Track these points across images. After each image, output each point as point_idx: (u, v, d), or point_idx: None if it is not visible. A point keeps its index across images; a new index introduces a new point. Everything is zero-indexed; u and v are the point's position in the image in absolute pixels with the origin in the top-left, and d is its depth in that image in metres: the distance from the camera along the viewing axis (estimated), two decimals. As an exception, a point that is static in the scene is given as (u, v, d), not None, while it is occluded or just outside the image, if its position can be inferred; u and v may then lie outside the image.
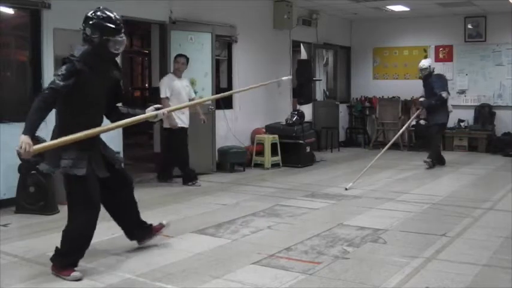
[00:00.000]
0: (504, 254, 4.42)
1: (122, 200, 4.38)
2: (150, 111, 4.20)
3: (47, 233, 5.12)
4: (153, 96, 9.02)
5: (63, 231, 4.05)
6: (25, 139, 3.62)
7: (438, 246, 4.66)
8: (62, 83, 3.75)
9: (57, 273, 3.92)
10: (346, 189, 7.25)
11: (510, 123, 11.60)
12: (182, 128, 7.52)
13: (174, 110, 4.57)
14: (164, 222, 4.73)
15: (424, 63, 9.44)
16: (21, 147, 3.61)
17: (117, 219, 4.47)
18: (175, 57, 7.68)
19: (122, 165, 4.45)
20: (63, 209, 6.05)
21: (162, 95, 7.38)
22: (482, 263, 4.19)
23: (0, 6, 6.28)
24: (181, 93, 7.45)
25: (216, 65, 8.99)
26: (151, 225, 4.62)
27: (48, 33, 6.54)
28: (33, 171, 5.92)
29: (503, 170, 9.16)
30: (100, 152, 4.11)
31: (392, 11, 11.79)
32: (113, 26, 3.91)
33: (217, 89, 8.82)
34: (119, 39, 3.94)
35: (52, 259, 3.99)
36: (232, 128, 9.40)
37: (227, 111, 9.28)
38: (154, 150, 8.91)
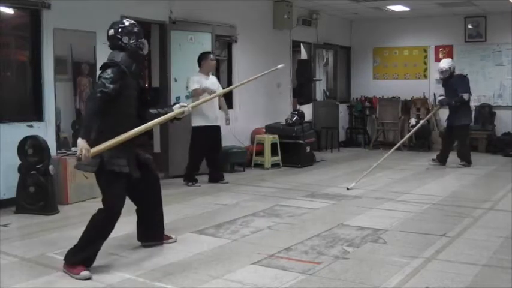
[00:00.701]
0: (504, 254, 4.42)
1: (150, 200, 4.54)
2: (176, 109, 4.46)
3: (47, 233, 5.12)
4: (154, 97, 9.03)
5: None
6: (84, 144, 3.79)
7: (438, 246, 4.66)
8: (112, 86, 3.94)
9: (67, 270, 3.93)
10: (348, 189, 7.25)
11: (510, 123, 11.60)
12: (209, 127, 7.56)
13: (198, 105, 4.83)
14: (173, 237, 4.80)
15: (445, 65, 9.17)
16: (81, 153, 3.77)
17: (140, 217, 4.57)
18: (205, 56, 7.65)
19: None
20: (63, 209, 6.10)
21: (192, 87, 7.32)
22: (482, 263, 4.19)
23: (0, 6, 6.28)
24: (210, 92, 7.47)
25: (216, 65, 8.98)
26: (163, 231, 4.72)
27: (48, 33, 6.54)
28: (33, 171, 5.93)
29: (503, 170, 9.15)
30: (134, 152, 4.29)
31: (392, 11, 11.79)
32: (140, 28, 4.30)
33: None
34: (144, 40, 4.30)
35: (65, 257, 4.01)
36: (232, 128, 9.39)
37: (227, 111, 9.27)
38: (154, 150, 8.90)
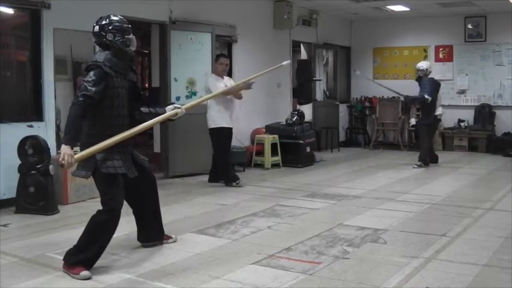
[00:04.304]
0: (504, 254, 4.42)
1: (148, 201, 4.51)
2: (169, 110, 4.35)
3: (47, 233, 5.12)
4: (154, 97, 9.03)
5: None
6: (67, 150, 3.76)
7: (438, 246, 4.66)
8: (94, 89, 3.87)
9: (67, 270, 3.93)
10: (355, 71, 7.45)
11: (510, 123, 11.59)
12: (225, 128, 7.55)
13: (191, 107, 4.73)
14: (173, 237, 4.79)
15: (422, 64, 9.37)
16: (63, 159, 3.73)
17: (139, 219, 4.56)
18: (219, 57, 7.67)
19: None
20: (63, 209, 6.10)
21: (215, 90, 7.09)
22: (482, 263, 4.19)
23: (0, 6, 6.28)
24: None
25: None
26: (163, 231, 4.72)
27: (48, 33, 6.54)
28: (33, 171, 5.93)
29: (503, 170, 9.16)
30: (130, 152, 4.24)
31: (392, 11, 11.79)
32: (127, 25, 4.15)
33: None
34: (132, 37, 4.15)
35: (64, 257, 4.00)
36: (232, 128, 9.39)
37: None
38: (154, 150, 8.90)
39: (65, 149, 3.76)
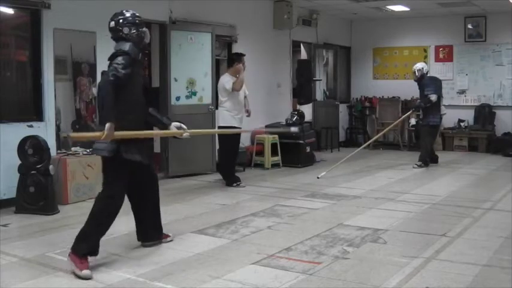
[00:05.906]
0: (504, 254, 4.42)
1: (149, 199, 4.57)
2: (175, 127, 4.51)
3: (47, 233, 5.13)
4: (154, 97, 9.02)
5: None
6: (110, 126, 3.87)
7: (438, 246, 4.66)
8: (123, 71, 4.01)
9: (75, 262, 3.93)
10: (318, 177, 7.93)
11: (510, 123, 11.60)
12: (235, 128, 7.59)
13: (196, 134, 4.87)
14: (171, 235, 4.82)
15: (418, 65, 9.49)
16: (103, 133, 3.86)
17: (138, 217, 4.60)
18: (238, 57, 7.68)
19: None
20: (63, 209, 6.10)
21: (229, 86, 7.43)
22: (482, 263, 4.19)
23: (0, 6, 6.28)
24: (239, 93, 7.54)
25: (216, 65, 8.98)
26: (162, 231, 4.74)
27: (48, 33, 6.54)
28: (33, 171, 5.93)
29: (503, 170, 9.15)
30: (145, 143, 4.42)
31: (392, 11, 11.80)
32: (140, 18, 4.42)
33: (217, 88, 8.79)
34: (146, 29, 4.42)
35: (72, 247, 4.02)
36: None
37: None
38: (154, 150, 8.90)
39: (109, 125, 3.83)
